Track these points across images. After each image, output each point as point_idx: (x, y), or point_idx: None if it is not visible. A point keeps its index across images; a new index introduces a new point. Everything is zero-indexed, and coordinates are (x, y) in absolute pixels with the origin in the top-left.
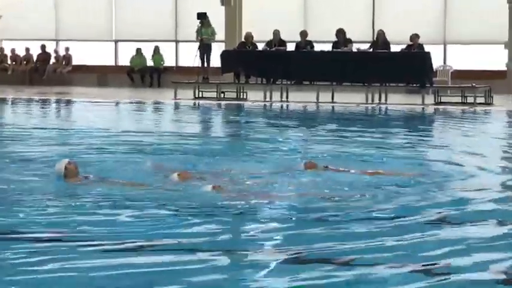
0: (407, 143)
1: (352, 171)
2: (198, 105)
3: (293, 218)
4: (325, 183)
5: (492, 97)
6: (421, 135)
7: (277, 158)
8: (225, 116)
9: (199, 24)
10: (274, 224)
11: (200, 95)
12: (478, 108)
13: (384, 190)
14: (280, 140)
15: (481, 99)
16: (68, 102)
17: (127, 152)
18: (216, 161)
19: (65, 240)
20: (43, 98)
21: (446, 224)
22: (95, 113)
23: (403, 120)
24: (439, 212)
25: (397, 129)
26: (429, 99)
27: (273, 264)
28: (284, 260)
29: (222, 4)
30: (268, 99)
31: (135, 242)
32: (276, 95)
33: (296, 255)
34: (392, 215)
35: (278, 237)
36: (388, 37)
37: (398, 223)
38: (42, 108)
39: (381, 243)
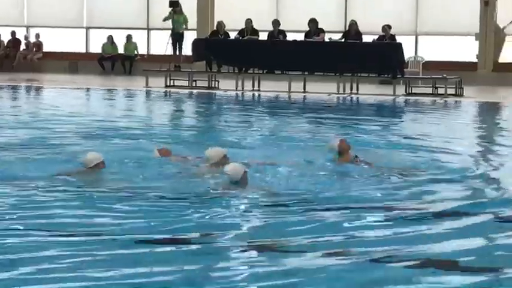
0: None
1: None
2: (170, 93)
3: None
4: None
5: (463, 88)
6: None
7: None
8: (212, 105)
9: (172, 12)
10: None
11: (171, 84)
12: (449, 99)
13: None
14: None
15: (451, 91)
16: (38, 89)
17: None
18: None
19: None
20: (13, 84)
21: None
22: (66, 99)
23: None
24: None
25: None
26: (400, 89)
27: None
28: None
29: None
30: (240, 88)
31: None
32: (248, 84)
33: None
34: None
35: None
36: (360, 27)
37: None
38: (13, 94)
39: None
